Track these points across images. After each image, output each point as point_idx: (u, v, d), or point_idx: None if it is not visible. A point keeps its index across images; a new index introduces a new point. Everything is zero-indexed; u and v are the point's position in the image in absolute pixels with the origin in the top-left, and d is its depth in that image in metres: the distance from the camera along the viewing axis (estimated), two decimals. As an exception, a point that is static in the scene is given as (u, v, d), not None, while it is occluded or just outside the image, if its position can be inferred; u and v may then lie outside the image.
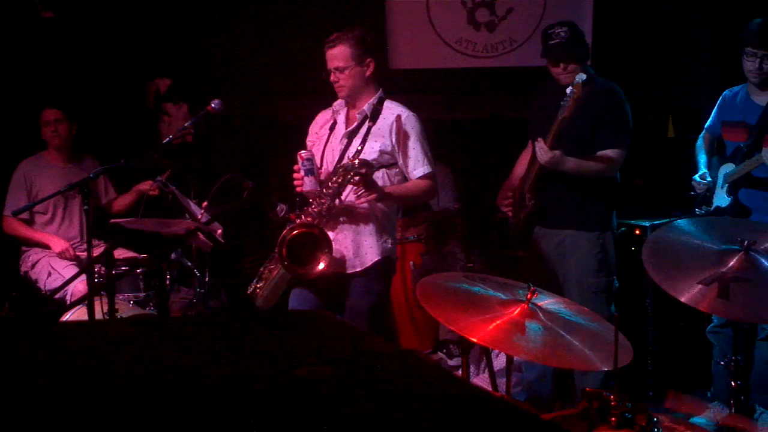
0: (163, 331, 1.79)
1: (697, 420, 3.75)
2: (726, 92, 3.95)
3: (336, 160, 3.47)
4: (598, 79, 3.69)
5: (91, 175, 4.05)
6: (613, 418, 2.03)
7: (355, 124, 3.49)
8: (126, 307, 4.05)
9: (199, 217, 3.71)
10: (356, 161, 3.25)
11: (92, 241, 3.86)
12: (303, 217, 3.38)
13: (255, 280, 3.53)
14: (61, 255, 4.63)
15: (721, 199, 3.82)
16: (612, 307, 3.69)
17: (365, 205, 3.38)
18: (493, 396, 2.15)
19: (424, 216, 5.09)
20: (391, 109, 3.45)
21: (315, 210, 3.36)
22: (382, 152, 3.42)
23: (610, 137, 3.63)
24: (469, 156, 5.80)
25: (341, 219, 3.44)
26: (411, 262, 4.85)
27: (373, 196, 3.31)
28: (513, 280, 2.62)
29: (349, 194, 3.39)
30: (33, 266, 4.70)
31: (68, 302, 4.40)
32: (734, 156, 3.81)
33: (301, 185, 3.42)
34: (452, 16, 5.64)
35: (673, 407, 3.93)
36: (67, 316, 3.84)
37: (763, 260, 2.54)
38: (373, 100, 3.43)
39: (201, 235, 4.01)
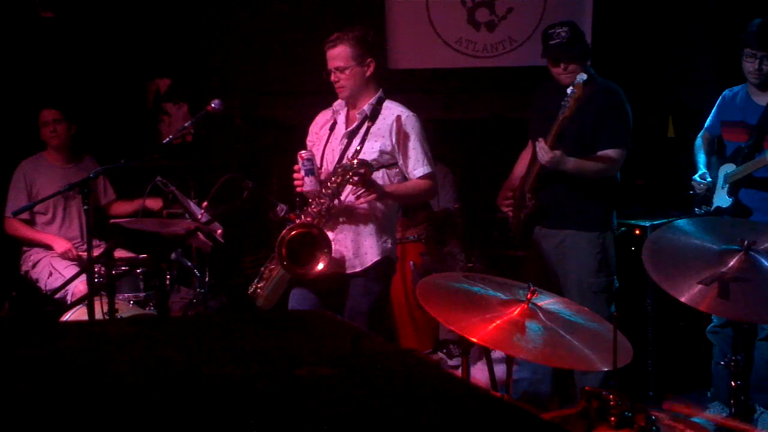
0: (163, 331, 1.79)
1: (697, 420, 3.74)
2: (726, 92, 3.95)
3: (336, 160, 3.47)
4: (599, 79, 3.69)
5: (90, 175, 4.05)
6: (613, 418, 2.02)
7: (355, 124, 3.49)
8: (126, 307, 4.06)
9: (199, 217, 3.71)
10: (355, 161, 3.25)
11: (92, 241, 3.86)
12: (303, 217, 3.38)
13: (256, 280, 3.53)
14: (64, 255, 4.63)
15: (722, 199, 3.82)
16: (612, 307, 3.69)
17: (365, 205, 3.37)
18: (493, 396, 2.15)
19: (424, 216, 5.09)
20: (391, 109, 3.45)
21: (315, 210, 3.36)
22: (381, 152, 3.42)
23: (610, 137, 3.63)
24: (469, 156, 5.79)
25: (341, 219, 3.44)
26: (411, 262, 4.85)
27: (373, 196, 3.31)
28: (513, 280, 2.62)
29: (348, 194, 3.39)
30: (34, 266, 4.70)
31: (68, 302, 4.41)
32: (735, 156, 3.81)
33: (302, 185, 3.42)
34: (452, 16, 5.63)
35: (671, 409, 3.92)
36: (67, 316, 3.84)
37: (763, 260, 2.54)
38: (372, 100, 3.43)
39: (201, 235, 4.01)
